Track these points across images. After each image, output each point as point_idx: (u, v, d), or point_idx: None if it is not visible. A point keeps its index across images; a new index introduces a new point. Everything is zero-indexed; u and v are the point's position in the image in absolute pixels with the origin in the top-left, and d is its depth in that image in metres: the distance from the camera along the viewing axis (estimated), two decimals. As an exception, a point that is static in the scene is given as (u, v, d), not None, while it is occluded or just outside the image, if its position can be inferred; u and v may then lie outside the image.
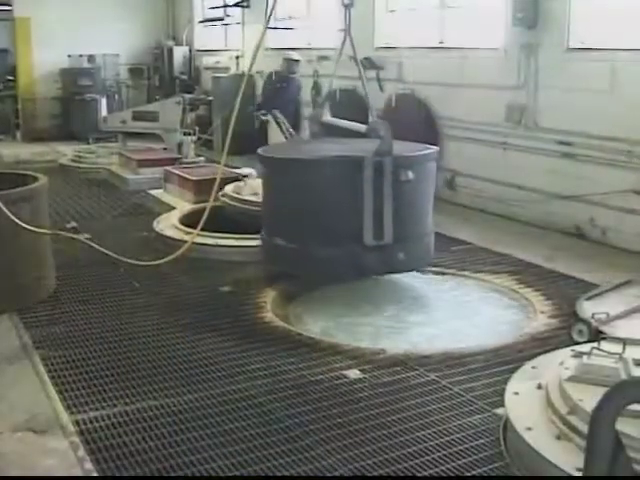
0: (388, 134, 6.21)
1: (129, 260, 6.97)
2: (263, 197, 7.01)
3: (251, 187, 8.81)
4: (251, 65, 7.26)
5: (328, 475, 3.85)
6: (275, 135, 10.93)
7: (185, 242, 7.44)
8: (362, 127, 6.69)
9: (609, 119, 8.24)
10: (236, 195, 8.67)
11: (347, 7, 6.82)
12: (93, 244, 6.91)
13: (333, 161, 6.42)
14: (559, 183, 8.97)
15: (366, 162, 6.08)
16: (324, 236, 6.35)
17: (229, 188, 8.96)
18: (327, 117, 7.67)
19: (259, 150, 7.01)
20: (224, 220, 8.16)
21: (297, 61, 11.19)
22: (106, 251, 6.84)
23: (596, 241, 8.50)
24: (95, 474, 3.85)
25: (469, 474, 3.86)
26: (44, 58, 18.26)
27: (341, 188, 6.27)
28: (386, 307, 6.33)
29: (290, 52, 11.72)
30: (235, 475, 3.83)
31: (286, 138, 9.58)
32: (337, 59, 7.29)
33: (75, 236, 7.52)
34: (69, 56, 18.37)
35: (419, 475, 3.85)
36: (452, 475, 3.86)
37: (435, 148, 6.86)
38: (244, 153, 10.56)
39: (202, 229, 7.34)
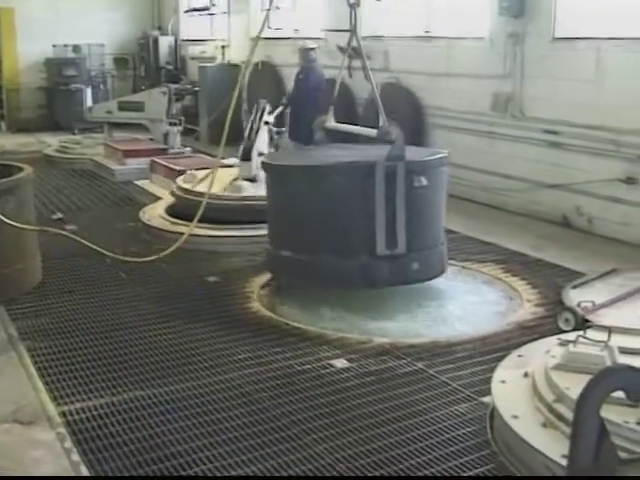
0: (400, 138, 6.03)
1: (126, 258, 6.98)
2: (268, 206, 6.72)
3: (197, 178, 8.93)
4: (250, 57, 7.19)
5: (315, 462, 3.86)
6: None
7: (170, 232, 7.49)
8: (372, 132, 6.56)
9: (595, 108, 8.26)
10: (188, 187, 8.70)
11: (352, 7, 6.72)
12: (85, 241, 6.89)
13: (343, 167, 6.12)
14: (545, 172, 8.99)
15: (378, 167, 5.86)
16: (334, 246, 6.11)
17: (180, 180, 9.09)
18: (331, 122, 7.37)
19: (264, 158, 6.81)
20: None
21: (313, 49, 11.02)
22: (98, 248, 6.85)
23: (582, 230, 8.53)
24: (82, 465, 3.84)
25: (455, 462, 3.87)
26: (28, 48, 18.15)
27: (352, 195, 6.02)
28: (373, 296, 6.33)
29: (305, 41, 11.53)
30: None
31: (249, 138, 8.87)
32: (343, 62, 7.18)
33: (63, 233, 7.48)
34: (54, 46, 18.27)
35: (406, 464, 3.86)
36: (439, 463, 3.87)
37: (446, 152, 6.51)
38: (232, 144, 10.52)
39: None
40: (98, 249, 6.89)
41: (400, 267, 6.09)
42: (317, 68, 10.92)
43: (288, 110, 10.97)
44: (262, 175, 8.32)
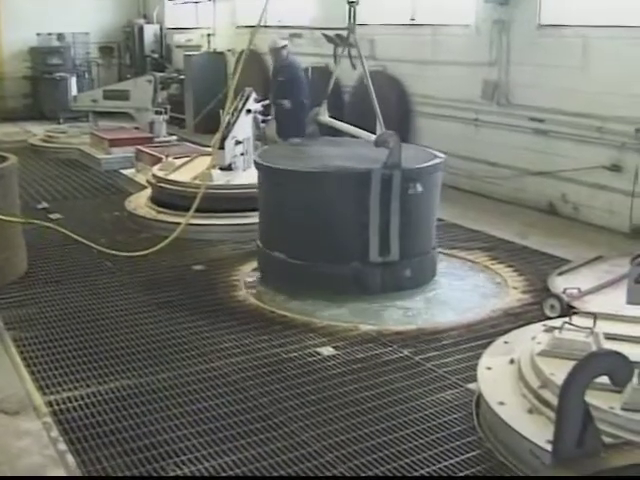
0: (398, 146, 5.96)
1: (121, 253, 6.96)
2: (260, 205, 6.66)
3: (172, 165, 8.92)
4: (249, 45, 7.12)
5: (302, 450, 3.87)
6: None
7: (156, 221, 7.47)
8: (369, 135, 6.49)
9: (581, 96, 8.27)
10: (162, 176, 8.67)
11: (351, 4, 6.69)
12: (72, 234, 6.87)
13: (338, 173, 6.06)
14: (531, 160, 9.00)
15: (374, 175, 5.83)
16: (327, 252, 6.09)
17: (156, 168, 9.05)
18: (325, 117, 7.30)
19: (256, 157, 6.69)
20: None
21: (284, 47, 10.68)
22: (92, 245, 6.84)
23: (568, 217, 8.56)
24: (68, 454, 3.84)
25: (442, 448, 3.89)
26: (12, 37, 18.02)
27: (346, 202, 5.98)
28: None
29: (275, 40, 11.08)
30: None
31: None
32: (337, 61, 7.12)
33: (51, 225, 7.45)
34: (38, 35, 18.14)
35: (393, 451, 3.87)
36: (425, 449, 3.89)
37: (442, 157, 6.42)
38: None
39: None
40: (86, 242, 6.90)
41: (393, 274, 6.09)
42: (293, 64, 10.66)
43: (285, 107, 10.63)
44: (239, 163, 8.35)
